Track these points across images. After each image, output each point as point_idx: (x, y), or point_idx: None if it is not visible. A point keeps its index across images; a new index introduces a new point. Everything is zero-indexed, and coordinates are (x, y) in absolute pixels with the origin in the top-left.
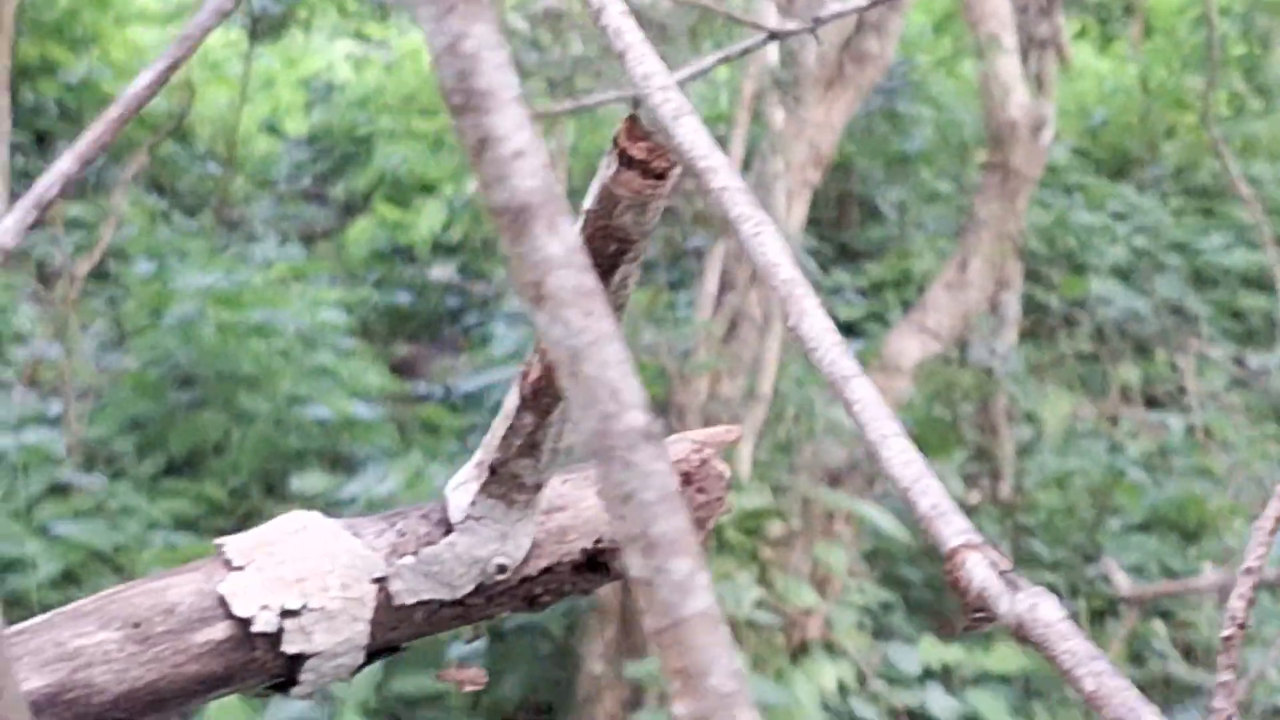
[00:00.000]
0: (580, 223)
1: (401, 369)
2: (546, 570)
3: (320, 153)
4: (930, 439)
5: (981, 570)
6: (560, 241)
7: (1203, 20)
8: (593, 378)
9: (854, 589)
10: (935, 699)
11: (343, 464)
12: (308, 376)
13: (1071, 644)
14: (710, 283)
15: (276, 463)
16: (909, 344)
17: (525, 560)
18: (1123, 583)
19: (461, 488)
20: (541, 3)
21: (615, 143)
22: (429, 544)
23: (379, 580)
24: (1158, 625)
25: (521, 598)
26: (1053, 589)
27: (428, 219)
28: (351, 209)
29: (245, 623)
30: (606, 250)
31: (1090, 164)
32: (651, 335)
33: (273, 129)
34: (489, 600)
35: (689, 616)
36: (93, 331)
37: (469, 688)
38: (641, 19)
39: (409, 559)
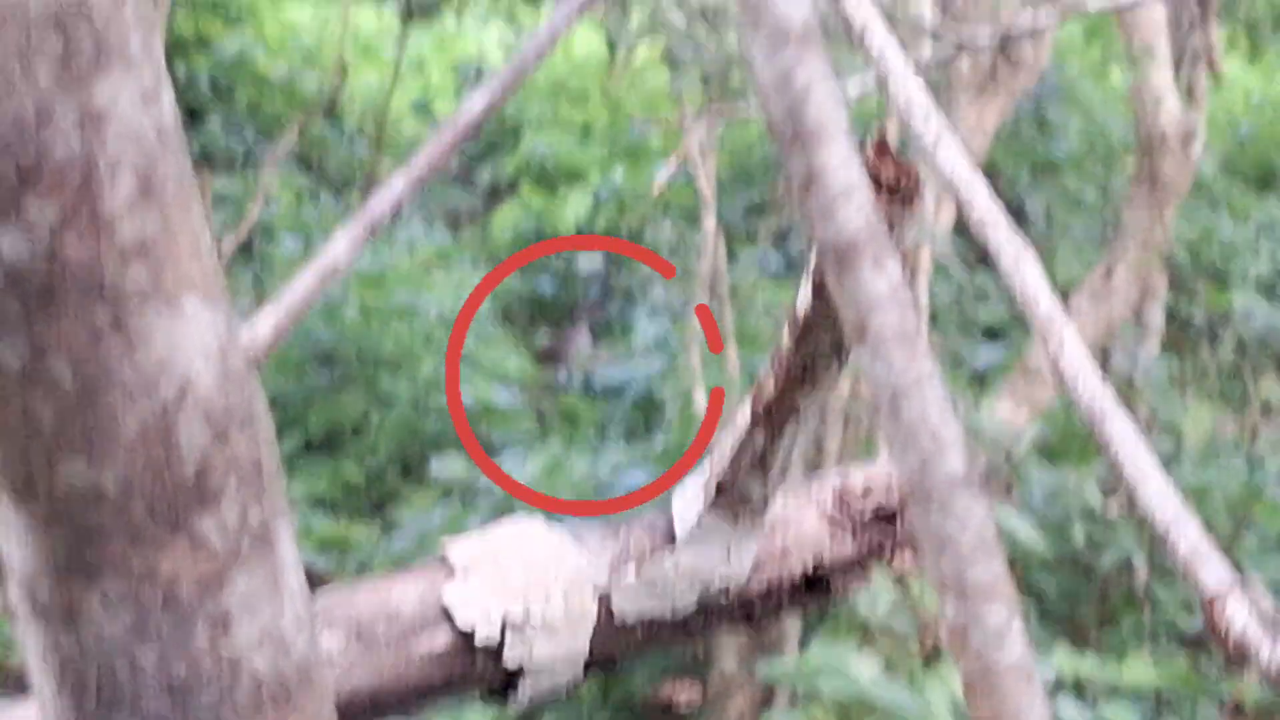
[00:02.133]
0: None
1: (543, 357)
2: (766, 588)
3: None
4: (1069, 447)
5: (1242, 616)
6: (885, 280)
7: None
8: (913, 419)
9: None
10: (1067, 710)
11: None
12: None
13: None
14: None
15: (415, 446)
16: None
17: (746, 578)
18: (1263, 599)
19: (687, 503)
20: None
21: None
22: (653, 558)
23: (601, 594)
24: None
25: (740, 615)
26: (1188, 605)
27: (573, 207)
28: (497, 194)
29: (467, 632)
30: None
31: (1235, 177)
32: None
33: (422, 111)
34: (708, 617)
35: (1002, 666)
36: (236, 307)
37: (685, 707)
38: None
39: (632, 572)
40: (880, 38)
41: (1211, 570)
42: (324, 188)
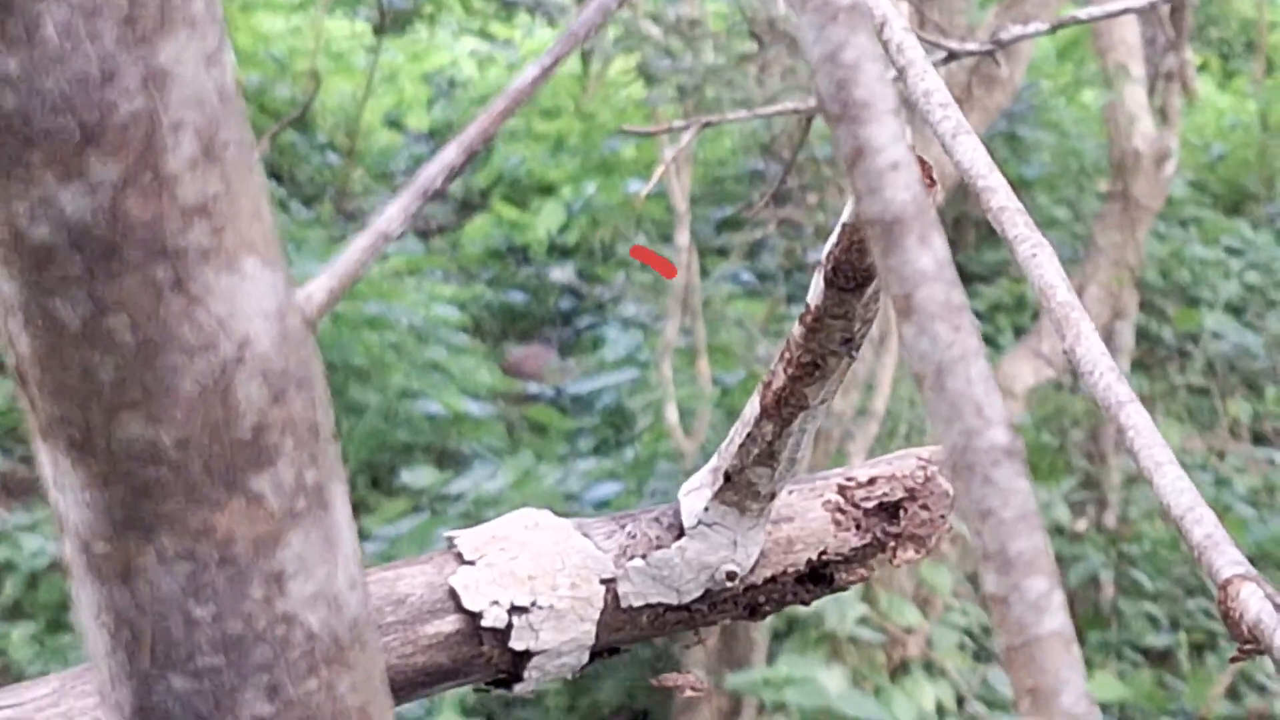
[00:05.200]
0: (834, 240)
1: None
2: (771, 580)
3: (440, 148)
4: (1039, 464)
5: (1257, 601)
6: (931, 255)
7: None
8: (957, 393)
9: (957, 610)
10: None
11: (450, 460)
12: (419, 371)
13: None
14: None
15: (384, 455)
16: (1022, 368)
17: (752, 569)
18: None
19: (695, 493)
20: (675, 10)
21: None
22: (659, 547)
23: (607, 581)
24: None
25: (745, 606)
26: (1153, 620)
27: (545, 220)
28: (469, 206)
29: (475, 617)
30: (860, 264)
31: (1207, 198)
32: (766, 347)
33: (394, 123)
34: (713, 607)
35: (1043, 636)
36: None
37: (689, 693)
38: (775, 30)
39: (638, 562)
40: (899, 30)
41: (1225, 555)
42: (295, 197)
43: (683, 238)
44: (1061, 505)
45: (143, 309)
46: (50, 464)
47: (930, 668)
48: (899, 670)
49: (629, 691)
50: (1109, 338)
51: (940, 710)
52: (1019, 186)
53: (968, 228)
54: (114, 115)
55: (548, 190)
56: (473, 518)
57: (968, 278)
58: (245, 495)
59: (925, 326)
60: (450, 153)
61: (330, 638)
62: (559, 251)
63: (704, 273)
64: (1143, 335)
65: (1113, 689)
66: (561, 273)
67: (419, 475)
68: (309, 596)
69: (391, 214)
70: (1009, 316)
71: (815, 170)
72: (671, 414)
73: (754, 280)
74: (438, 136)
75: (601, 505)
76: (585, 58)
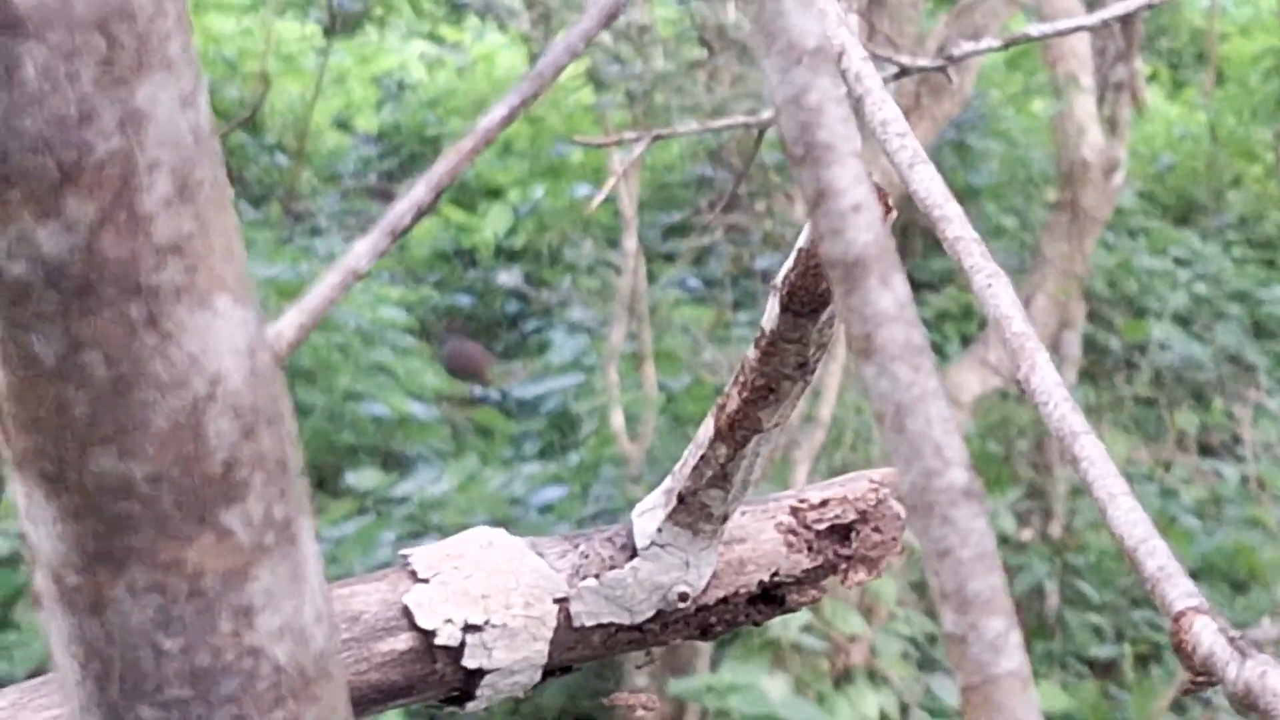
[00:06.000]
0: (790, 265)
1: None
2: (723, 601)
3: (388, 150)
4: (984, 474)
5: (1209, 635)
6: (892, 296)
7: (1276, 71)
8: (917, 433)
9: (901, 618)
10: None
11: (395, 462)
12: (365, 373)
13: None
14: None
15: (329, 457)
16: (969, 378)
17: (704, 589)
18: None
19: (648, 514)
20: (625, 16)
21: None
22: (612, 568)
23: (560, 600)
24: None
25: (696, 626)
26: (1098, 631)
27: (492, 223)
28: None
29: (428, 635)
30: (816, 289)
31: (1155, 208)
32: (712, 354)
33: (343, 124)
34: (665, 627)
35: (1000, 676)
36: None
37: (640, 712)
38: (725, 38)
39: (591, 581)
40: (858, 60)
41: (1178, 588)
42: (243, 198)
43: (630, 243)
44: (1007, 514)
45: (116, 346)
46: (23, 496)
47: (874, 676)
48: (842, 678)
49: (573, 696)
50: (1056, 348)
51: (884, 718)
52: (967, 195)
53: (915, 236)
54: (91, 155)
55: (495, 193)
56: (418, 520)
57: (916, 285)
58: (215, 530)
59: (886, 367)
60: (419, 191)
61: (296, 671)
62: (506, 255)
63: (651, 278)
64: (1090, 345)
65: (1057, 700)
66: (508, 276)
67: (364, 477)
68: (276, 630)
69: (360, 251)
70: (956, 325)
71: (763, 178)
72: (617, 419)
73: (701, 286)
74: (386, 139)
75: (546, 509)
76: (535, 62)
